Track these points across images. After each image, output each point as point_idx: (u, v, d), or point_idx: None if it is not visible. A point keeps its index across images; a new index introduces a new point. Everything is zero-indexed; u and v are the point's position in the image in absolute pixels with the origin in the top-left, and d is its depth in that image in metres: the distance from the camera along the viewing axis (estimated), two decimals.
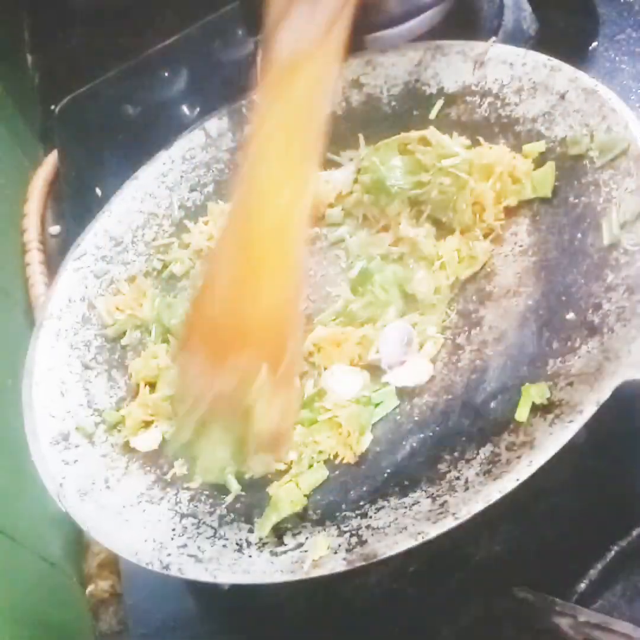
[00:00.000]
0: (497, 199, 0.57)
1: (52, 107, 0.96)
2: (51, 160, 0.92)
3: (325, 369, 0.57)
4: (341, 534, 0.46)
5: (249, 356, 0.38)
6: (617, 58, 0.68)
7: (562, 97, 0.56)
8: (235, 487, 0.53)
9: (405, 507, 0.46)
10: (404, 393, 0.54)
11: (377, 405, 0.54)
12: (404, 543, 0.42)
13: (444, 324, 0.56)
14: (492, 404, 0.50)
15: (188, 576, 0.47)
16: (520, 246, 0.56)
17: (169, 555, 0.48)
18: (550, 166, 0.56)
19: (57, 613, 0.61)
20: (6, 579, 0.56)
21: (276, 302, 0.39)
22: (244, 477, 0.54)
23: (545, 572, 0.49)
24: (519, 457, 0.43)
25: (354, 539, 0.45)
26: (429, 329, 0.56)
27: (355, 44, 0.69)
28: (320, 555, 0.45)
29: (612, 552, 0.48)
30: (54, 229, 0.88)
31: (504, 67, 0.60)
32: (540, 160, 0.57)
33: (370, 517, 0.47)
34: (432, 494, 0.46)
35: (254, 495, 0.53)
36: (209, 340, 0.39)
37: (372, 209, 0.63)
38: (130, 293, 0.65)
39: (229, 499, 0.53)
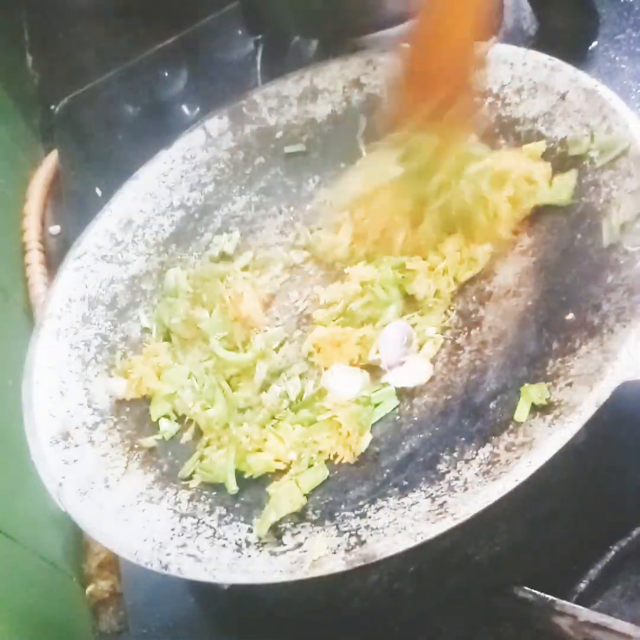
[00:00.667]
0: (514, 208, 0.56)
1: (52, 107, 0.96)
2: (51, 160, 0.92)
3: (325, 369, 0.57)
4: (340, 534, 0.46)
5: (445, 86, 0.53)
6: (617, 58, 0.68)
7: (563, 97, 0.56)
8: (233, 487, 0.53)
9: (405, 508, 0.46)
10: (403, 393, 0.54)
11: (376, 405, 0.54)
12: (403, 543, 0.42)
13: (443, 325, 0.56)
14: (492, 405, 0.50)
15: (187, 576, 0.47)
16: (520, 246, 0.56)
17: (169, 555, 0.48)
18: (572, 174, 0.55)
19: (57, 613, 0.61)
20: (6, 579, 0.56)
21: (459, 48, 0.54)
22: (243, 476, 0.54)
23: (545, 572, 0.49)
24: (518, 458, 0.43)
25: (353, 539, 0.45)
26: (429, 330, 0.56)
27: (355, 44, 0.70)
28: (320, 555, 0.44)
29: (612, 552, 0.48)
30: (54, 229, 0.88)
31: (505, 67, 0.60)
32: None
33: (370, 517, 0.47)
34: (432, 494, 0.46)
35: (253, 495, 0.53)
36: (418, 79, 0.55)
37: None
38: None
39: (228, 498, 0.53)
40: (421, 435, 0.52)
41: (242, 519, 0.51)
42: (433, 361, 0.55)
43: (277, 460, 0.53)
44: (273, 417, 0.56)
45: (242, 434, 0.55)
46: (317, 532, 0.47)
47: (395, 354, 0.55)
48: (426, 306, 0.57)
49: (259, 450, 0.54)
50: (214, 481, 0.54)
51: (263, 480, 0.53)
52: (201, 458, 0.56)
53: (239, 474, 0.54)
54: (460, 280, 0.57)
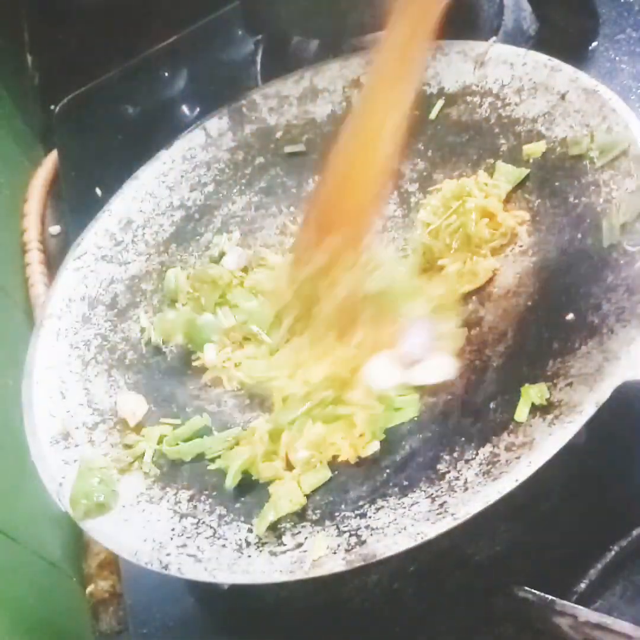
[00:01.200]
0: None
1: (52, 107, 0.96)
2: (51, 160, 0.93)
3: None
4: (340, 534, 0.46)
5: (342, 236, 0.54)
6: (617, 58, 0.68)
7: (563, 97, 0.56)
8: (230, 482, 0.53)
9: (405, 508, 0.46)
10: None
11: (397, 409, 0.53)
12: (403, 543, 0.42)
13: None
14: (492, 405, 0.50)
15: (187, 576, 0.47)
16: (520, 246, 0.56)
17: (169, 555, 0.48)
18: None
19: (57, 613, 0.61)
20: (6, 579, 0.56)
21: (365, 199, 0.56)
22: (246, 477, 0.53)
23: (545, 572, 0.49)
24: (518, 458, 0.43)
25: (354, 539, 0.45)
26: (448, 325, 0.55)
27: (355, 44, 0.70)
28: (320, 555, 0.44)
29: (612, 552, 0.48)
30: (54, 229, 0.88)
31: (505, 67, 0.60)
32: (542, 161, 0.57)
33: (370, 517, 0.47)
34: (432, 494, 0.46)
35: (253, 495, 0.53)
36: (318, 223, 0.57)
37: None
38: None
39: (228, 498, 0.53)
40: (421, 435, 0.52)
41: (242, 519, 0.51)
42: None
43: (286, 469, 0.53)
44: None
45: (259, 438, 0.54)
46: (317, 532, 0.47)
47: (418, 350, 0.54)
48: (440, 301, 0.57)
49: (271, 459, 0.53)
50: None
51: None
52: None
53: (245, 474, 0.53)
54: (458, 292, 0.57)
